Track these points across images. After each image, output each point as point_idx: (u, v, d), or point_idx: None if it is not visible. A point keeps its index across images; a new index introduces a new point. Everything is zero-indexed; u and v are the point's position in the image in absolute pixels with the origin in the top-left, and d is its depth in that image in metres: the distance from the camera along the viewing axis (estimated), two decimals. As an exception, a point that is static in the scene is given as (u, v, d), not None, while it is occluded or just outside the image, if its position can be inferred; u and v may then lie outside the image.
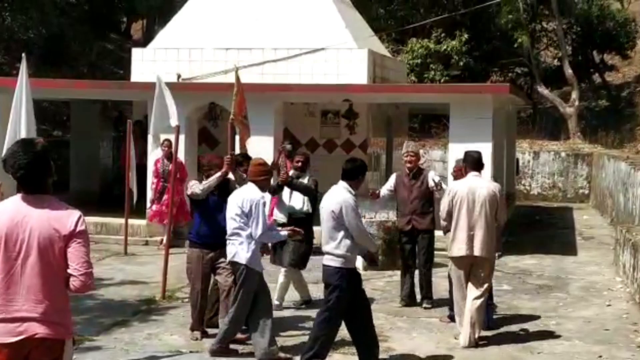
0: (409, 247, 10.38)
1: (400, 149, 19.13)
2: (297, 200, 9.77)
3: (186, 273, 8.64)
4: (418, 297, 10.39)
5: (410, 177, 10.31)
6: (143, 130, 15.40)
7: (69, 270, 4.26)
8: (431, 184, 10.18)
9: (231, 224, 7.81)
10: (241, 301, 7.72)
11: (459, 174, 9.71)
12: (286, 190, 9.83)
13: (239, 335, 8.19)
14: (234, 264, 7.85)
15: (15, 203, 4.34)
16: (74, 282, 4.26)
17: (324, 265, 7.42)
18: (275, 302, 9.30)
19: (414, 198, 10.22)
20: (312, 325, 7.67)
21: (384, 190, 10.49)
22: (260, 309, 7.74)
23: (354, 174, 7.45)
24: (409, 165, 10.30)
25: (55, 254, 4.25)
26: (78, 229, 4.28)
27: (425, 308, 10.13)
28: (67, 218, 4.29)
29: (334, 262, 7.27)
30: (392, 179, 10.56)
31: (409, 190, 10.24)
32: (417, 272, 10.41)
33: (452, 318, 9.18)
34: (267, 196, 8.99)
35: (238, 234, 7.76)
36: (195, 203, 8.46)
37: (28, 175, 4.31)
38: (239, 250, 7.76)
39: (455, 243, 8.41)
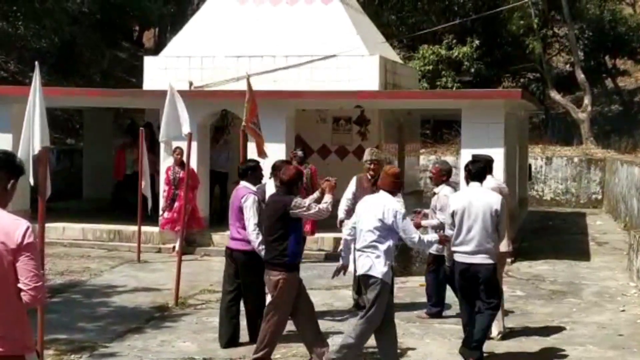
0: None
1: (413, 156, 19.21)
2: None
3: (279, 304, 7.72)
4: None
5: (372, 182, 10.19)
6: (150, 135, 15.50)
7: (19, 285, 4.17)
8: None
9: (368, 237, 7.52)
10: (373, 315, 7.54)
11: (437, 177, 9.81)
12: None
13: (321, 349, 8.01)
14: (368, 277, 7.54)
15: None
16: (24, 297, 4.18)
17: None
18: None
19: None
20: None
21: (344, 206, 10.09)
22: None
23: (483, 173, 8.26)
24: (372, 172, 10.20)
25: (4, 268, 4.16)
26: (25, 241, 4.18)
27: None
28: (15, 231, 4.18)
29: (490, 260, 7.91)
30: (353, 182, 10.28)
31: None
32: None
33: (431, 314, 9.89)
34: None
35: (375, 247, 7.52)
36: (291, 222, 7.71)
37: None
38: (375, 263, 7.51)
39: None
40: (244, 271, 8.45)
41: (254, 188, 8.53)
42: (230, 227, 8.60)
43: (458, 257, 8.00)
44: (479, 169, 8.32)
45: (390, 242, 7.53)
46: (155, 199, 14.44)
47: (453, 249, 8.03)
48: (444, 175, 9.82)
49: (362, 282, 7.74)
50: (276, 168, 9.03)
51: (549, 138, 26.72)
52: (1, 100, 15.40)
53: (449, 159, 23.70)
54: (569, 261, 14.32)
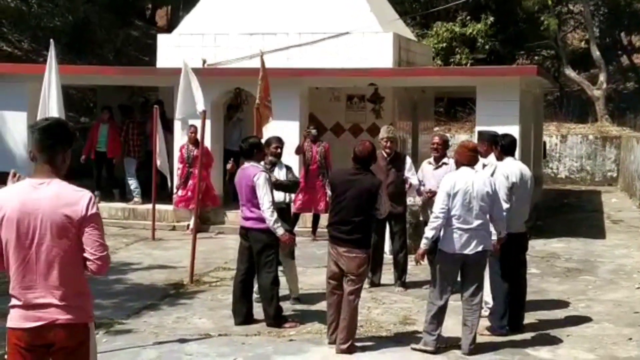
0: (380, 232, 10.42)
1: (427, 134, 19.15)
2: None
3: (361, 284, 7.77)
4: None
5: (387, 161, 10.25)
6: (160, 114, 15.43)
7: (84, 254, 4.24)
8: (407, 175, 10.26)
9: (479, 215, 7.52)
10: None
11: (439, 149, 9.91)
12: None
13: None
14: (483, 254, 7.63)
15: (24, 188, 4.27)
16: (90, 266, 4.25)
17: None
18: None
19: (390, 182, 10.16)
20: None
21: None
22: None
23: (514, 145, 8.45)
24: (387, 150, 10.23)
25: (69, 240, 4.22)
26: (89, 212, 4.22)
27: (398, 292, 10.18)
28: (78, 203, 4.22)
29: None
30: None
31: (385, 174, 10.16)
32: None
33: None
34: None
35: (487, 223, 7.63)
36: (374, 202, 7.65)
37: (43, 138, 4.25)
38: (487, 238, 7.66)
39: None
40: (259, 249, 8.42)
41: (261, 166, 8.47)
42: (242, 207, 8.52)
43: (508, 229, 8.02)
44: (510, 142, 8.41)
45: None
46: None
47: (512, 221, 8.06)
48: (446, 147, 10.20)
49: (472, 259, 7.56)
50: (268, 144, 9.04)
51: (564, 116, 26.58)
52: (16, 79, 15.44)
53: (463, 136, 23.63)
54: (584, 239, 14.28)
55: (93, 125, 16.22)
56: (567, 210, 18.33)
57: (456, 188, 7.50)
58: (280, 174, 9.20)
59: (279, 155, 9.36)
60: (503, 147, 8.37)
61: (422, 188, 10.16)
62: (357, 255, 7.51)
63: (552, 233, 14.70)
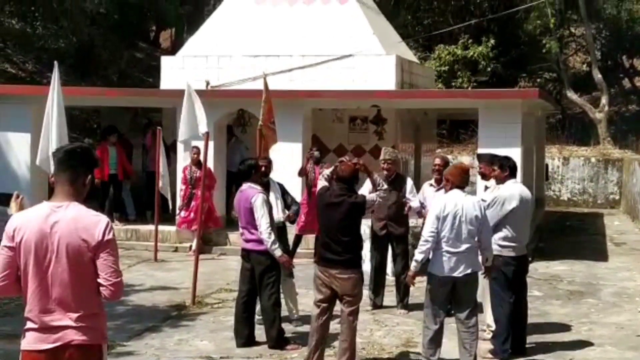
0: (383, 253, 10.42)
1: (429, 155, 19.17)
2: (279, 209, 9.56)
3: (359, 304, 7.76)
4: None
5: (388, 182, 10.25)
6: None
7: (98, 280, 4.27)
8: (407, 197, 10.25)
9: (468, 237, 7.51)
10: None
11: (441, 170, 9.69)
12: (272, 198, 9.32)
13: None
14: (471, 276, 7.60)
15: (42, 211, 4.30)
16: (104, 292, 4.28)
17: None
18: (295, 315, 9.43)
19: (391, 204, 10.17)
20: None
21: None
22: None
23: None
24: (386, 172, 10.24)
25: (84, 264, 4.25)
26: (106, 238, 4.26)
27: (400, 314, 10.16)
28: (95, 227, 4.26)
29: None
30: (368, 182, 10.32)
31: (387, 195, 10.18)
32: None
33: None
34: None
35: (475, 246, 7.61)
36: (360, 220, 7.79)
37: (67, 159, 4.31)
38: (475, 260, 7.64)
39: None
40: (261, 271, 8.42)
41: (259, 187, 8.47)
42: (242, 229, 8.54)
43: (510, 252, 8.10)
44: (515, 164, 8.45)
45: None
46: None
47: (511, 244, 8.13)
48: None
49: (462, 282, 7.54)
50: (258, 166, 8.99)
51: (566, 138, 26.60)
52: (20, 100, 15.50)
53: (466, 159, 23.66)
54: (586, 261, 14.26)
55: (100, 147, 16.27)
56: (569, 233, 18.30)
57: (446, 211, 7.51)
58: (273, 195, 9.19)
59: (266, 174, 9.26)
60: (505, 169, 8.38)
61: (423, 210, 10.16)
62: (350, 276, 7.51)
63: (554, 255, 14.67)
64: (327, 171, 7.98)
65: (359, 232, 7.63)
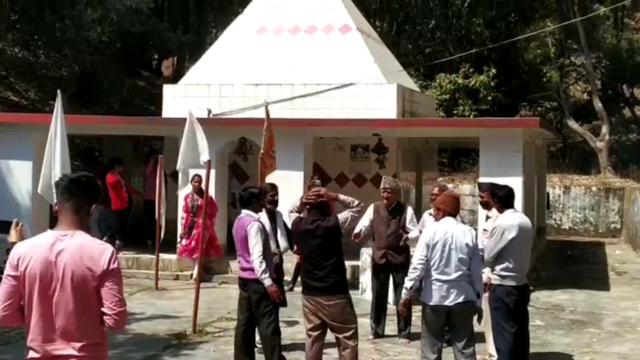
0: (383, 282, 10.39)
1: (431, 184, 19.18)
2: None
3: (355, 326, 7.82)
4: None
5: (388, 211, 10.27)
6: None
7: (102, 309, 4.26)
8: (408, 226, 10.25)
9: (461, 265, 7.48)
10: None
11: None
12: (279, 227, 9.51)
13: None
14: (465, 305, 7.53)
15: (47, 240, 4.31)
16: (107, 321, 4.27)
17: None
18: None
19: (391, 233, 10.19)
20: None
21: (361, 226, 10.20)
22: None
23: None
24: (386, 201, 10.25)
25: (89, 293, 4.25)
26: (111, 267, 4.26)
27: (402, 343, 10.11)
28: (100, 256, 4.26)
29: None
30: (370, 210, 10.38)
31: (386, 224, 10.20)
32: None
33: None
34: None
35: (469, 274, 7.56)
36: (339, 243, 7.83)
37: (72, 187, 4.32)
38: (470, 289, 7.56)
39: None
40: (257, 299, 8.36)
41: (257, 216, 8.47)
42: (239, 258, 8.52)
43: (512, 282, 8.08)
44: (508, 194, 8.39)
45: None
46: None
47: (513, 274, 8.10)
48: None
49: (455, 311, 7.50)
50: (264, 193, 9.02)
51: (567, 167, 26.64)
52: (22, 128, 15.54)
53: (466, 187, 23.68)
54: (588, 291, 14.21)
55: (112, 175, 16.47)
56: (571, 262, 18.26)
57: (435, 239, 7.51)
58: (280, 225, 9.24)
59: (276, 203, 9.39)
60: (500, 199, 8.37)
61: None
62: (336, 302, 7.53)
63: (556, 284, 14.63)
64: (291, 205, 8.04)
65: (340, 254, 7.64)
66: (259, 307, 8.38)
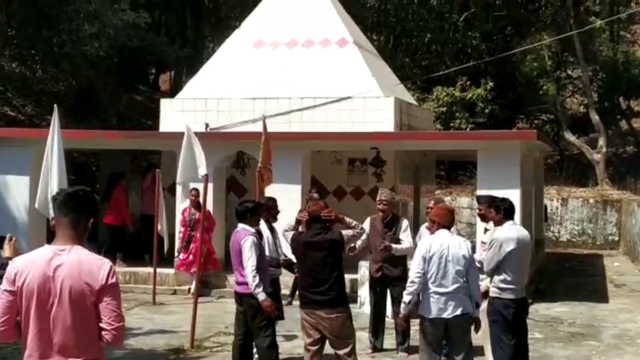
0: (380, 295, 10.35)
1: (429, 197, 19.17)
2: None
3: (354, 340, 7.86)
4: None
5: (384, 224, 10.24)
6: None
7: (101, 324, 4.23)
8: (400, 237, 10.20)
9: (457, 278, 7.48)
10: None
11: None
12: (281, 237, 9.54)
13: None
14: (463, 317, 7.54)
15: (45, 254, 4.28)
16: (106, 336, 4.24)
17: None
18: None
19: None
20: None
21: (360, 241, 10.02)
22: None
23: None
24: (381, 214, 10.23)
25: (87, 308, 4.21)
26: (109, 282, 4.23)
27: (400, 357, 10.08)
28: (98, 271, 4.23)
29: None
30: (367, 223, 10.27)
31: (382, 237, 10.16)
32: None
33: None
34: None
35: (465, 286, 7.55)
36: (340, 256, 7.85)
37: (69, 201, 4.30)
38: (467, 301, 7.57)
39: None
40: (252, 314, 8.30)
41: (252, 230, 8.41)
42: (234, 271, 8.48)
43: (510, 294, 8.03)
44: (508, 207, 8.35)
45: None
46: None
47: (511, 286, 8.05)
48: None
49: (453, 324, 7.51)
50: (267, 207, 9.00)
51: (564, 179, 26.65)
52: (19, 143, 15.53)
53: (464, 200, 23.69)
54: (587, 303, 14.19)
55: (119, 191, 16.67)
56: (569, 274, 18.24)
57: (431, 251, 7.50)
58: (279, 238, 9.19)
59: (276, 217, 9.43)
60: (506, 210, 8.37)
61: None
62: (337, 315, 7.50)
63: (554, 297, 14.61)
64: (287, 225, 8.06)
65: (341, 268, 7.62)
66: (254, 322, 8.33)
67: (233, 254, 8.39)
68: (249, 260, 8.12)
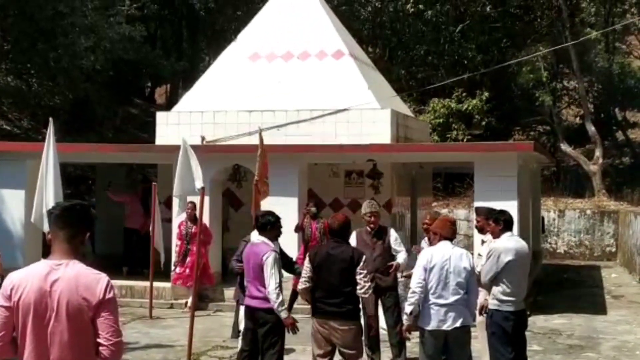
0: (372, 306, 10.28)
1: (425, 209, 19.15)
2: None
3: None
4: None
5: (372, 235, 10.16)
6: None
7: (98, 340, 4.18)
8: (394, 247, 10.11)
9: (459, 289, 7.48)
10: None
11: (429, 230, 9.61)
12: None
13: None
14: (463, 329, 7.55)
15: (41, 269, 4.23)
16: (104, 352, 4.18)
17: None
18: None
19: (377, 256, 10.04)
20: None
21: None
22: None
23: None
24: (372, 225, 10.16)
25: (84, 323, 4.17)
26: (107, 297, 4.19)
27: None
28: (96, 286, 4.19)
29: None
30: (353, 237, 9.90)
31: (372, 248, 10.06)
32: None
33: None
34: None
35: (466, 298, 7.56)
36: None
37: (65, 215, 4.27)
38: (466, 313, 7.56)
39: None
40: (266, 330, 8.09)
41: (272, 245, 8.21)
42: (248, 285, 8.25)
43: (509, 307, 8.00)
44: (510, 218, 8.34)
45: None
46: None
47: (510, 298, 8.01)
48: None
49: (453, 335, 7.48)
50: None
51: (561, 190, 26.65)
52: (15, 157, 15.49)
53: (461, 212, 23.65)
54: (585, 315, 14.14)
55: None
56: (567, 286, 18.20)
57: (433, 262, 7.48)
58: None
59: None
60: (499, 223, 8.32)
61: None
62: (350, 327, 7.50)
63: (552, 309, 14.56)
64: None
65: (356, 283, 7.58)
66: (266, 339, 8.09)
67: (249, 266, 8.18)
68: (272, 278, 7.91)
